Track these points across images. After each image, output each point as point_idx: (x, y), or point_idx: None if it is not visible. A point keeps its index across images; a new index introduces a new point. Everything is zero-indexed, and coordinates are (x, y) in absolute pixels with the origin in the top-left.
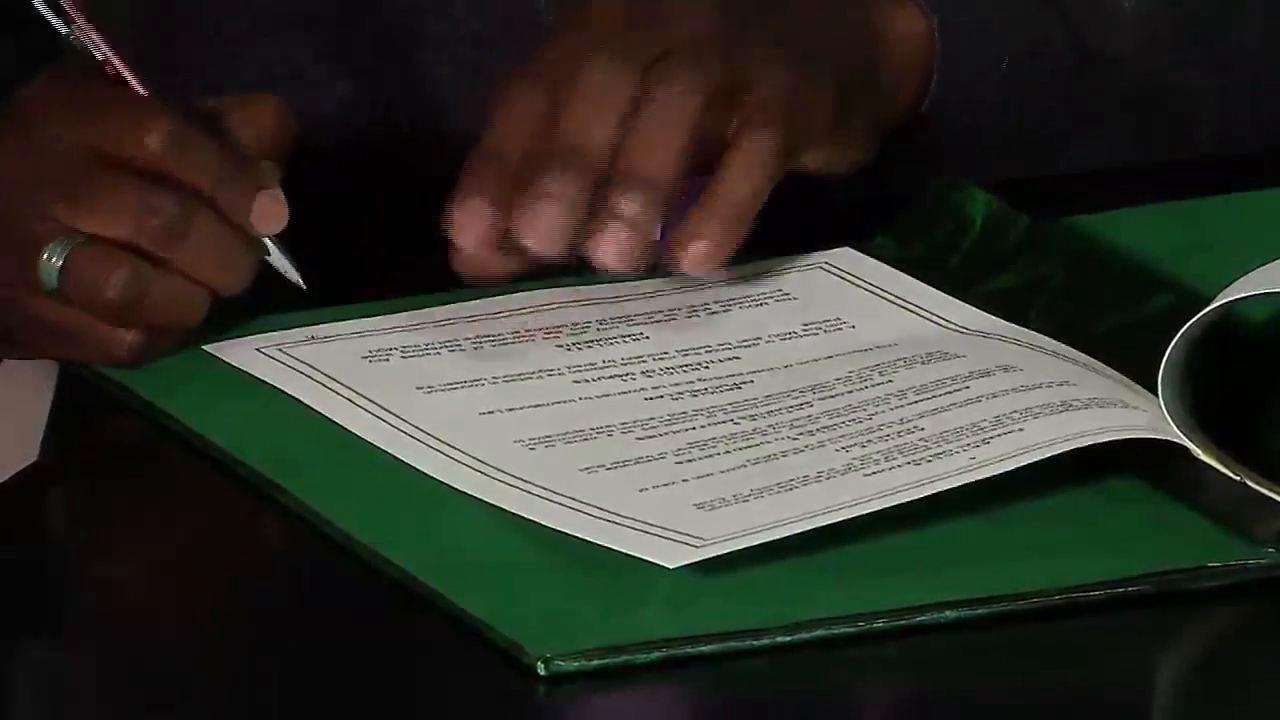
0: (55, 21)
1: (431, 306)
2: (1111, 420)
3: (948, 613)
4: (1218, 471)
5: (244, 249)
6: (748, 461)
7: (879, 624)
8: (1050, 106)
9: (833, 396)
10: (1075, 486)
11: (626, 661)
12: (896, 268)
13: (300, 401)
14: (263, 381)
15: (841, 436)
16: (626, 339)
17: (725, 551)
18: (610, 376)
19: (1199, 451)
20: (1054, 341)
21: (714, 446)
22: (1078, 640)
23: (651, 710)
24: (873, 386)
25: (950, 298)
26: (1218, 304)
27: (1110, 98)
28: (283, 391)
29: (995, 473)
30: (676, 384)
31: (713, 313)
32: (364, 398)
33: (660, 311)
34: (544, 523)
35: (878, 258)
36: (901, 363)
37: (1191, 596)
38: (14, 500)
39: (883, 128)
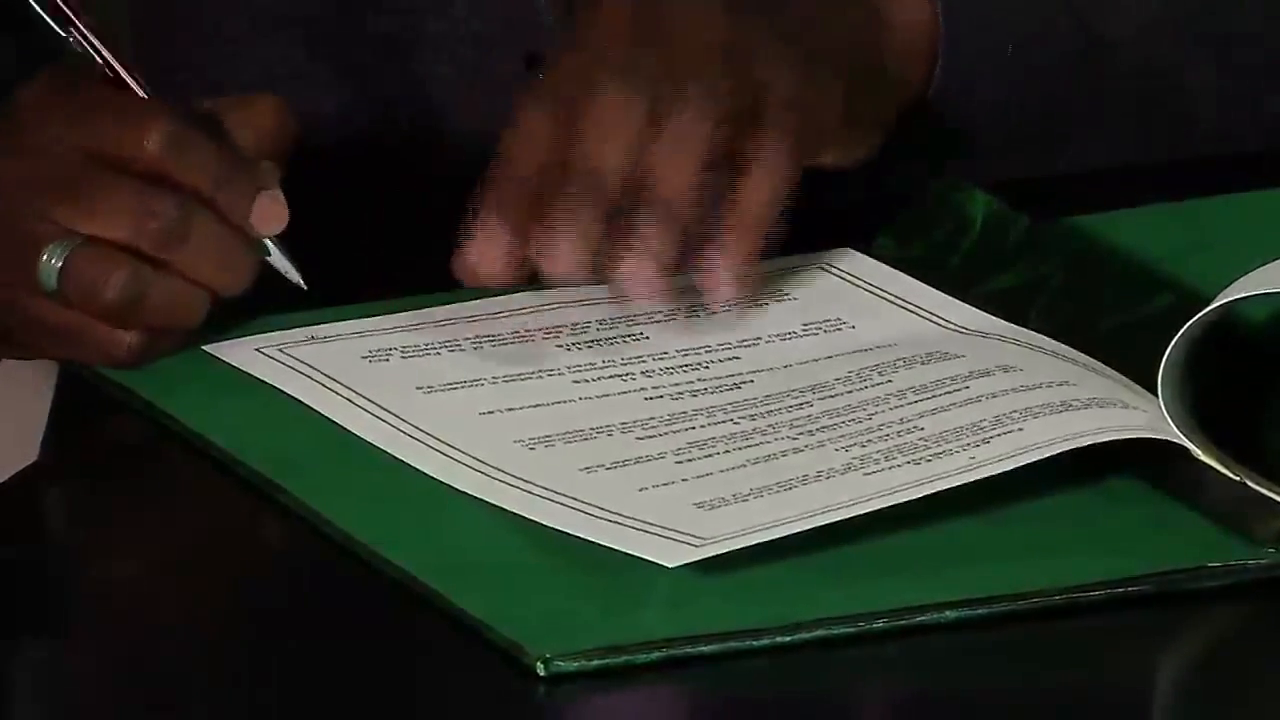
0: (53, 23)
1: (431, 306)
2: (1111, 420)
3: (948, 613)
4: (1218, 471)
5: (244, 250)
6: (747, 461)
7: (879, 624)
8: (1054, 93)
9: (832, 396)
10: (1075, 486)
11: (626, 661)
12: (896, 268)
13: (300, 401)
14: (263, 381)
15: (841, 436)
16: (626, 339)
17: (725, 551)
18: (610, 376)
19: (1199, 452)
20: (1054, 341)
21: (714, 446)
22: (1078, 640)
23: (651, 710)
24: (872, 386)
25: (950, 298)
26: (1218, 304)
27: (1112, 84)
28: (283, 391)
29: (995, 472)
30: (676, 384)
31: (712, 313)
32: (364, 398)
33: (660, 311)
34: (544, 522)
35: (878, 258)
36: (901, 362)
37: (1191, 596)
38: (14, 500)
39: (890, 116)
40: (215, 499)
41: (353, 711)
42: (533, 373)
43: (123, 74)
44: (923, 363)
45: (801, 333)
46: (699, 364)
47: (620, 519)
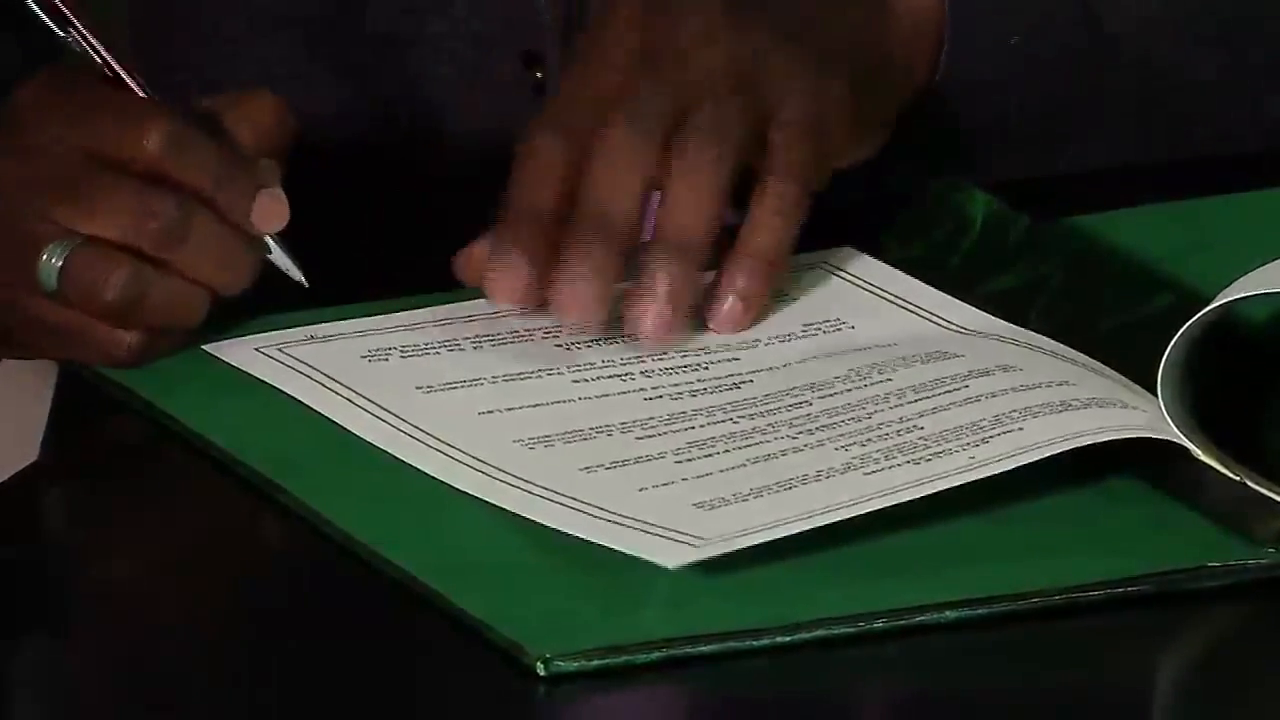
0: (50, 24)
1: (431, 306)
2: (1111, 420)
3: (948, 613)
4: (1218, 471)
5: (244, 249)
6: (747, 461)
7: (879, 624)
8: (1056, 87)
9: (832, 395)
10: (1075, 486)
11: (626, 661)
12: (896, 268)
13: (300, 401)
14: (262, 381)
15: (841, 435)
16: (626, 339)
17: (724, 552)
18: (610, 376)
19: (1199, 452)
20: (1054, 341)
21: (713, 446)
22: (1078, 640)
23: (651, 710)
24: (872, 385)
25: (950, 298)
26: (1218, 304)
27: (1113, 81)
28: (282, 391)
29: (995, 472)
30: (676, 384)
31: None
32: (363, 397)
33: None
34: (544, 522)
35: (877, 258)
36: (901, 361)
37: (1191, 596)
38: (14, 500)
39: (897, 107)
40: (215, 499)
41: (353, 711)
42: (532, 372)
43: (121, 74)
44: (922, 362)
45: (801, 334)
46: (698, 364)
47: (620, 519)
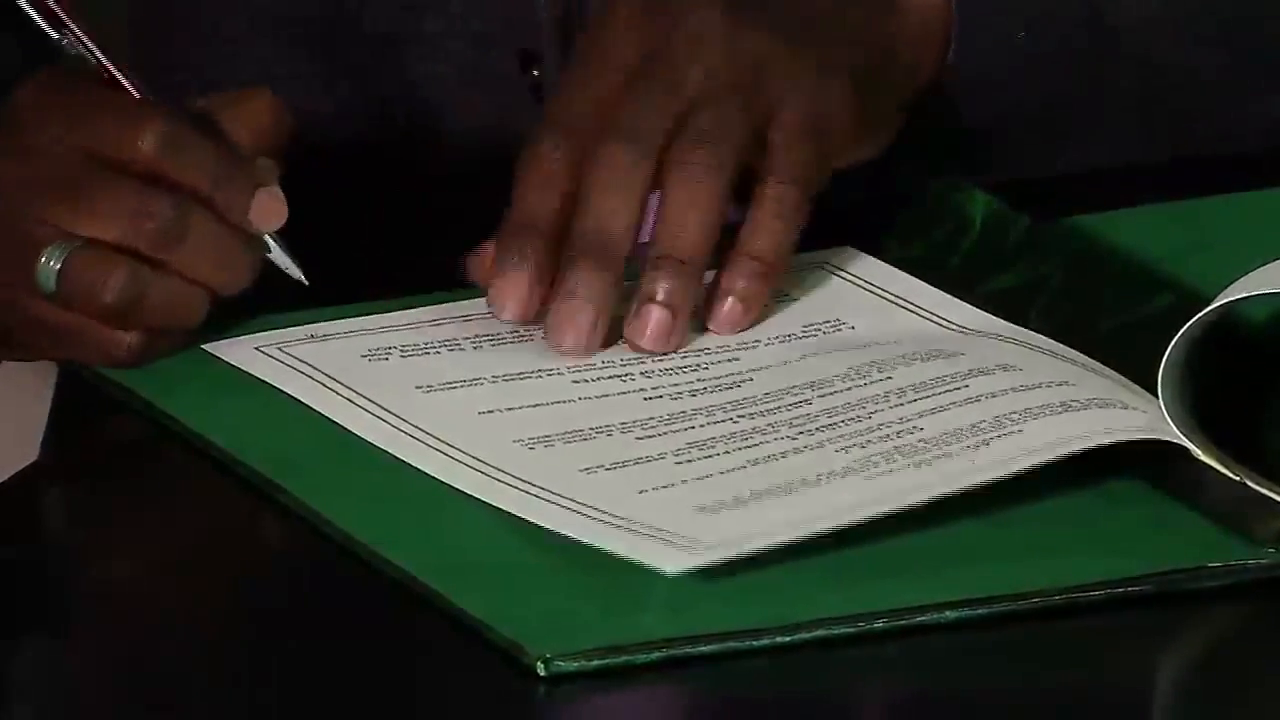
0: (45, 26)
1: (431, 306)
2: (1111, 421)
3: (948, 613)
4: (1218, 471)
5: (242, 248)
6: (747, 462)
7: (879, 624)
8: (1059, 82)
9: (832, 394)
10: (1075, 487)
11: (626, 662)
12: (896, 268)
13: (300, 401)
14: (262, 381)
15: (841, 436)
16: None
17: (724, 558)
18: (609, 376)
19: (1199, 452)
20: (1054, 341)
21: (713, 446)
22: (1078, 640)
23: (651, 710)
24: (872, 384)
25: (950, 297)
26: (1218, 304)
27: (1114, 79)
28: (282, 391)
29: (995, 477)
30: (675, 384)
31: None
32: (363, 397)
33: None
34: (543, 524)
35: (878, 258)
36: (901, 360)
37: (1191, 596)
38: (14, 500)
39: (903, 103)
40: (215, 499)
41: (353, 711)
42: (532, 372)
43: (117, 75)
44: (922, 360)
45: (801, 334)
46: (698, 364)
47: (620, 522)
